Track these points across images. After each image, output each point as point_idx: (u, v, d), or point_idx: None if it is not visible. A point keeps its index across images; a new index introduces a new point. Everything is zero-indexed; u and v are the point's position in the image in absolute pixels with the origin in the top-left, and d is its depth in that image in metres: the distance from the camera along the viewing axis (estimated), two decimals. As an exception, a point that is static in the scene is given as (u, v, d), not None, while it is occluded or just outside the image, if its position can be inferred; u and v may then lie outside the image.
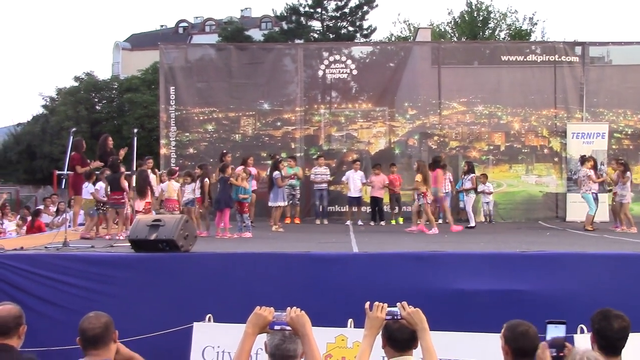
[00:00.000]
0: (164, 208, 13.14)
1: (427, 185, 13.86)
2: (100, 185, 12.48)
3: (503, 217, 17.88)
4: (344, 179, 17.06)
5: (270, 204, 14.39)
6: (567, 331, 6.82)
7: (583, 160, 14.74)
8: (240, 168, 14.19)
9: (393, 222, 16.92)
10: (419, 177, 13.90)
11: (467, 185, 15.81)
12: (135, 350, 4.58)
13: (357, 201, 16.79)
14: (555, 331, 3.84)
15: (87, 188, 12.53)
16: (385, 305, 3.91)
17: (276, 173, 14.13)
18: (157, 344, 7.22)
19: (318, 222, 16.76)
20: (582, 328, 6.93)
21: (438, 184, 14.25)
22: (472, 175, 15.81)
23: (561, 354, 3.80)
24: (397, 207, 17.07)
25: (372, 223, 16.49)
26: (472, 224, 15.10)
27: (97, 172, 12.91)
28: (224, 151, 15.18)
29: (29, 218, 17.50)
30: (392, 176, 17.03)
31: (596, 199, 14.37)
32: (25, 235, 15.21)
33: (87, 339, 4.10)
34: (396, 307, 3.89)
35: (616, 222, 14.37)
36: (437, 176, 14.28)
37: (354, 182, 16.54)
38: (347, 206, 17.17)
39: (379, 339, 3.94)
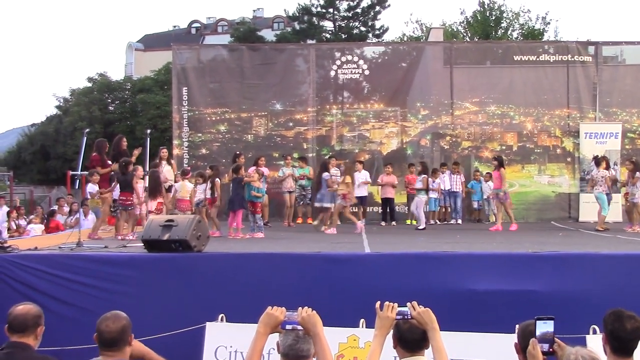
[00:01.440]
0: (177, 208, 13.17)
1: (351, 188, 14.19)
2: (92, 187, 12.46)
3: (515, 218, 17.81)
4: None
5: (316, 204, 14.52)
6: (579, 331, 6.84)
7: (598, 161, 14.65)
8: (252, 169, 14.23)
9: (408, 222, 16.88)
10: (348, 179, 14.17)
11: (418, 185, 15.34)
12: (148, 350, 4.63)
13: (361, 201, 16.54)
14: (544, 327, 3.89)
15: (88, 187, 12.60)
16: (396, 305, 3.91)
17: (325, 174, 14.20)
18: (170, 344, 7.24)
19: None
20: (594, 329, 6.91)
21: (500, 183, 14.50)
22: (423, 176, 15.39)
23: (551, 350, 3.84)
24: None
25: (382, 223, 16.46)
26: (422, 226, 14.75)
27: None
28: (237, 152, 15.21)
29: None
30: (410, 176, 16.97)
31: (609, 200, 14.34)
32: (43, 235, 15.27)
33: (103, 340, 4.14)
34: (406, 306, 3.90)
35: (630, 222, 14.31)
36: (501, 176, 14.52)
37: (357, 182, 16.40)
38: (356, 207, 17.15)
39: (389, 339, 3.95)
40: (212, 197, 13.39)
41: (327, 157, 17.49)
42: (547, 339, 3.86)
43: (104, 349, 4.14)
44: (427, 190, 15.32)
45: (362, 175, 16.38)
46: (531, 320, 4.09)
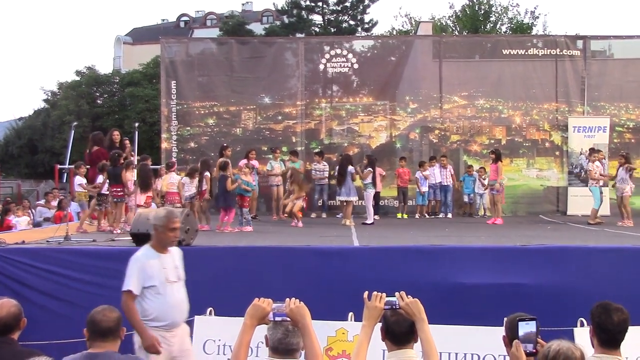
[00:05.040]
0: (166, 201, 13.11)
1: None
2: (80, 179, 12.39)
3: (504, 211, 17.86)
4: None
5: (342, 198, 14.48)
6: (567, 324, 6.86)
7: (591, 153, 14.69)
8: (243, 162, 14.19)
9: (399, 215, 16.87)
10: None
11: (367, 180, 14.80)
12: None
13: None
14: (526, 327, 3.90)
15: (76, 180, 12.54)
16: (384, 294, 3.89)
17: (350, 168, 14.16)
18: (159, 337, 7.20)
19: (314, 215, 16.77)
20: (582, 321, 6.93)
21: (498, 176, 14.63)
22: (368, 169, 14.89)
23: (535, 350, 3.86)
24: (403, 201, 16.99)
25: (377, 217, 16.38)
26: (370, 220, 14.61)
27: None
28: (224, 145, 15.18)
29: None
30: (400, 170, 16.93)
31: (601, 193, 14.41)
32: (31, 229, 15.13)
33: (97, 331, 4.10)
34: (395, 296, 3.89)
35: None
36: (498, 169, 14.67)
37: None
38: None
39: (376, 331, 3.93)
40: (201, 190, 13.32)
41: (314, 151, 17.49)
42: (530, 340, 3.88)
43: (97, 339, 4.10)
44: (374, 184, 15.00)
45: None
46: (519, 313, 4.10)
